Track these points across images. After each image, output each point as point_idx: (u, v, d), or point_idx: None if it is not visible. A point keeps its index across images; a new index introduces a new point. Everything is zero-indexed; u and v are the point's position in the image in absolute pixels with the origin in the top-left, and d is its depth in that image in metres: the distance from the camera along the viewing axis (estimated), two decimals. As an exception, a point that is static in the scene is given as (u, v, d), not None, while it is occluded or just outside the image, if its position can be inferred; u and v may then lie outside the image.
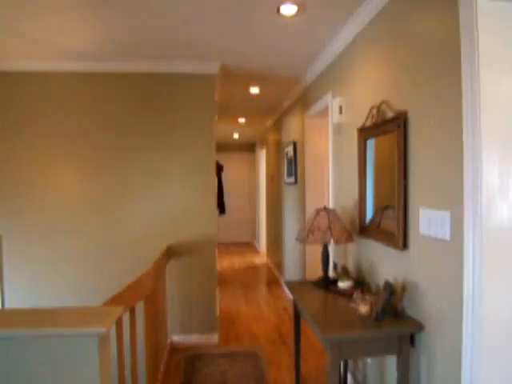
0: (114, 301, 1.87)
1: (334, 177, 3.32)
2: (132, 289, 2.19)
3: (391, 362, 2.14)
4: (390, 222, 2.18)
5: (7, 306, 3.54)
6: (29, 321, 1.38)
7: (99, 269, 3.62)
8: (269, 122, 7.10)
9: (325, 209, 2.61)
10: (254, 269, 7.17)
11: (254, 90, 4.67)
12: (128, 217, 3.66)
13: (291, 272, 5.17)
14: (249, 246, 9.60)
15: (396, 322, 1.90)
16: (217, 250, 3.89)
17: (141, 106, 3.66)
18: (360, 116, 2.61)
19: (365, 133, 2.53)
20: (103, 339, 1.35)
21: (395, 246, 2.08)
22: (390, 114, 2.17)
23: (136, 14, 2.60)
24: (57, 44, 3.11)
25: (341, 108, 3.00)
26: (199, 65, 3.62)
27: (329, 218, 2.53)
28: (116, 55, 3.40)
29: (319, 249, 2.72)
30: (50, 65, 3.51)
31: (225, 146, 9.42)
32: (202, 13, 2.58)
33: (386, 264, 2.29)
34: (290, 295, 4.89)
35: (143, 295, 2.47)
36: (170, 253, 3.64)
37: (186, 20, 2.70)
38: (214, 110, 3.77)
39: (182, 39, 3.06)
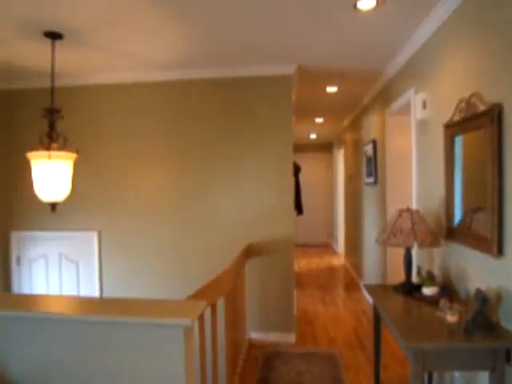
0: (196, 296, 1.97)
1: (418, 176, 3.14)
2: (213, 285, 2.29)
3: (483, 378, 1.97)
4: (481, 226, 2.01)
5: (105, 294, 3.92)
6: (122, 310, 1.52)
7: (184, 266, 3.85)
8: (346, 121, 6.94)
9: (408, 210, 2.49)
10: (331, 270, 7.06)
11: (332, 89, 4.60)
12: (210, 217, 3.84)
13: (370, 275, 5.00)
14: (326, 247, 9.46)
15: (489, 335, 1.75)
16: (294, 251, 3.90)
17: (220, 109, 3.82)
18: (446, 111, 2.44)
19: (452, 129, 2.36)
20: (188, 331, 1.43)
21: (488, 251, 1.91)
22: (481, 108, 2.00)
23: (215, 23, 2.72)
24: (139, 56, 3.37)
25: (424, 103, 2.83)
26: (275, 67, 3.68)
27: (412, 219, 2.41)
28: (194, 63, 3.59)
29: (401, 252, 2.60)
30: (132, 76, 3.83)
31: (302, 147, 9.40)
32: (279, 15, 2.62)
33: (477, 270, 2.11)
34: (369, 299, 4.73)
35: (224, 292, 2.57)
36: (249, 252, 3.74)
37: (262, 24, 2.76)
38: (290, 110, 3.79)
39: (258, 43, 3.13)
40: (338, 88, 4.56)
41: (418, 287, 2.38)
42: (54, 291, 3.95)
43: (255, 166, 3.79)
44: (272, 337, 3.77)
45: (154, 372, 1.44)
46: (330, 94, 4.85)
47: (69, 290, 3.94)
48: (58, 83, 3.62)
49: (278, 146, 3.76)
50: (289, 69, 3.68)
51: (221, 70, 3.74)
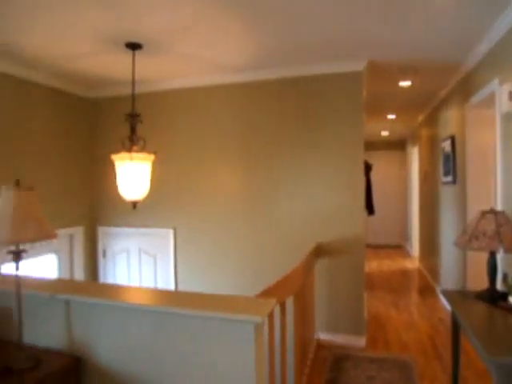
0: (266, 294, 2.01)
1: (503, 174, 2.89)
2: (283, 283, 2.31)
3: None
4: None
5: (179, 287, 4.14)
6: (196, 303, 1.60)
7: (253, 263, 3.93)
8: (421, 117, 6.57)
9: (492, 211, 2.30)
10: (404, 273, 6.74)
11: (405, 83, 4.39)
12: (279, 216, 3.88)
13: (448, 280, 4.69)
14: (399, 248, 9.05)
15: None
16: (365, 252, 3.80)
17: (288, 109, 3.83)
18: (539, 103, 2.21)
19: (545, 123, 2.13)
20: (259, 328, 1.47)
21: None
22: None
23: (285, 23, 2.74)
24: (212, 60, 3.50)
25: (511, 94, 2.60)
26: (345, 63, 3.60)
27: (497, 221, 2.22)
28: (264, 64, 3.64)
29: (483, 255, 2.41)
30: (205, 79, 3.98)
31: (373, 145, 9.09)
32: (351, 9, 2.57)
33: None
34: (446, 305, 4.44)
35: (293, 290, 2.59)
36: (319, 251, 3.71)
37: (333, 20, 2.72)
38: (361, 108, 3.69)
39: (329, 40, 3.09)
40: (412, 82, 4.34)
41: (504, 296, 2.20)
42: (134, 282, 4.27)
43: (325, 165, 3.75)
44: (341, 339, 3.71)
45: (224, 365, 1.49)
46: (403, 89, 4.64)
47: (147, 281, 4.23)
48: (137, 90, 3.89)
49: (348, 145, 3.69)
50: (359, 65, 3.58)
51: (291, 70, 3.75)
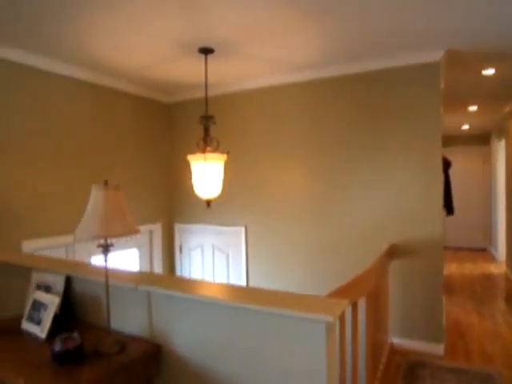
0: (337, 293, 1.98)
1: None
2: (355, 284, 2.27)
3: None
4: None
5: (250, 283, 4.24)
6: (269, 300, 1.63)
7: (322, 262, 3.89)
8: (508, 107, 6.00)
9: None
10: (488, 279, 6.21)
11: (488, 72, 4.04)
12: (349, 215, 3.80)
13: (542, 288, 4.24)
14: (483, 252, 8.35)
15: None
16: (443, 254, 3.57)
17: (361, 105, 3.73)
18: None
19: None
20: (330, 328, 1.46)
21: None
22: None
23: (353, 15, 2.67)
24: (280, 60, 3.51)
25: None
26: (419, 54, 3.41)
27: None
28: (333, 60, 3.58)
29: None
30: (275, 79, 4.01)
31: (452, 140, 8.49)
32: None
33: None
34: (539, 316, 4.03)
35: (365, 291, 2.52)
36: (393, 252, 3.56)
37: (410, 9, 2.60)
38: (438, 101, 3.47)
39: (403, 31, 2.95)
40: (496, 70, 3.98)
41: None
42: (207, 277, 4.46)
43: (398, 163, 3.59)
44: (416, 345, 3.53)
45: (294, 364, 1.50)
46: (486, 78, 4.27)
47: (220, 276, 4.39)
48: (210, 92, 4.06)
49: (424, 141, 3.49)
50: (435, 55, 3.37)
51: (360, 65, 3.65)
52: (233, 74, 3.95)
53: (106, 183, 1.75)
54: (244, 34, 2.92)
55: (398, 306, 3.61)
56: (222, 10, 2.50)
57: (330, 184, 3.88)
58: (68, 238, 3.47)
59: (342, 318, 2.01)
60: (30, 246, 3.25)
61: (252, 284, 4.22)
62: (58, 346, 1.62)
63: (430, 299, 3.51)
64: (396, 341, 3.62)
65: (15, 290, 2.66)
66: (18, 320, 2.11)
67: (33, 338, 1.92)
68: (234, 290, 1.82)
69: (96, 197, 1.72)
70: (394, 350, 3.54)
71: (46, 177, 3.42)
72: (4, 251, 2.99)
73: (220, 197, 3.40)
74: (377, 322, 2.93)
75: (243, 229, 4.27)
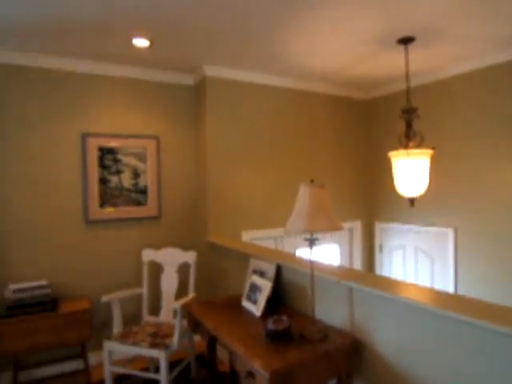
0: None
1: None
2: None
3: None
4: None
5: (459, 292, 3.79)
6: (482, 313, 1.44)
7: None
8: None
9: None
10: None
11: None
12: None
13: None
14: None
15: None
16: None
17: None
18: None
19: None
20: None
21: None
22: None
23: None
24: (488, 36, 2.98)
25: None
26: None
27: None
28: None
29: None
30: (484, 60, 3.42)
31: None
32: None
33: None
34: None
35: None
36: None
37: None
38: None
39: None
40: None
41: None
42: (409, 280, 4.21)
43: None
44: None
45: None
46: None
47: (423, 281, 4.08)
48: (411, 84, 3.81)
49: None
50: None
51: None
52: (438, 60, 3.59)
53: (311, 181, 1.88)
54: (450, 16, 2.62)
55: None
56: (428, -7, 2.32)
57: None
58: (276, 232, 3.89)
59: None
60: (247, 235, 3.79)
61: (461, 291, 3.76)
62: (270, 325, 1.85)
63: None
64: None
65: (236, 271, 3.15)
66: (239, 297, 2.50)
67: (250, 314, 2.24)
68: (441, 296, 1.68)
69: (303, 194, 1.87)
70: None
71: (258, 176, 3.92)
72: (229, 239, 3.58)
73: (425, 195, 3.16)
74: None
75: (452, 230, 3.83)
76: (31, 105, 3.21)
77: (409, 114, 3.07)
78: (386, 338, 1.75)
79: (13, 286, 2.90)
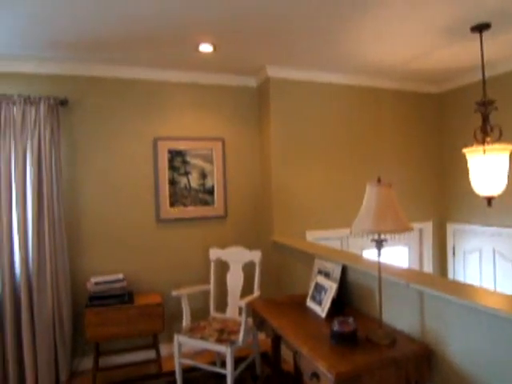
0: None
1: None
2: None
3: None
4: None
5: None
6: None
7: None
8: None
9: None
10: None
11: None
12: None
13: None
14: None
15: None
16: None
17: None
18: None
19: None
20: None
21: None
22: None
23: None
24: None
25: None
26: None
27: None
28: None
29: None
30: None
31: None
32: None
33: None
34: None
35: None
36: None
37: None
38: None
39: None
40: None
41: None
42: (486, 285, 3.90)
43: None
44: None
45: None
46: None
47: (502, 287, 3.75)
48: (486, 74, 3.51)
49: None
50: None
51: None
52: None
53: (378, 180, 1.83)
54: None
55: None
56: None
57: None
58: (342, 232, 3.82)
59: None
60: (311, 235, 3.77)
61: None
62: (336, 327, 1.82)
63: None
64: None
65: (300, 271, 3.15)
66: (304, 297, 2.49)
67: (314, 315, 2.23)
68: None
69: (370, 194, 1.83)
70: None
71: (322, 176, 3.89)
72: (293, 238, 3.59)
73: (505, 194, 2.92)
74: None
75: (538, 233, 3.49)
76: (107, 115, 3.49)
77: (485, 106, 2.85)
78: (462, 349, 1.65)
79: (94, 279, 3.16)
